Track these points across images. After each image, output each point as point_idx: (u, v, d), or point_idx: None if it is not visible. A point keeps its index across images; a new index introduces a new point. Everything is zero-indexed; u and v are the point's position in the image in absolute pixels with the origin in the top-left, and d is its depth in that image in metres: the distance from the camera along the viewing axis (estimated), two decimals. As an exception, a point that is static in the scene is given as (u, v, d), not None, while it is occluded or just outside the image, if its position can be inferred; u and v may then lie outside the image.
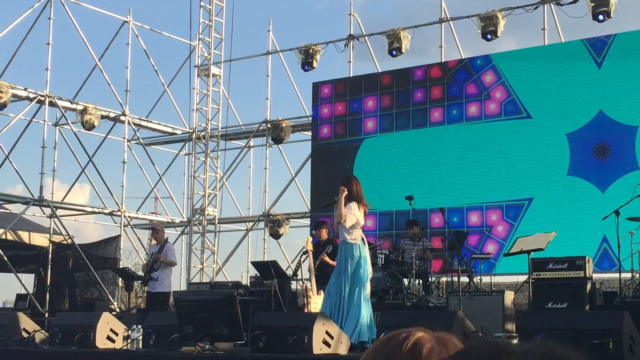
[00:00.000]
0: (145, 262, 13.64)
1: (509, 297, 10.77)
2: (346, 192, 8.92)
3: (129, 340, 9.31)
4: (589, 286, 10.47)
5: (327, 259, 11.08)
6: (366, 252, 9.06)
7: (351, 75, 18.06)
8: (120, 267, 17.71)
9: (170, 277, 12.90)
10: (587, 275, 10.51)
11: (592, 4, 14.95)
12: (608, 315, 7.94)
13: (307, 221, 18.31)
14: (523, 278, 13.74)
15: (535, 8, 16.01)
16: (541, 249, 10.61)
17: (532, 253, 10.63)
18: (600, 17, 14.91)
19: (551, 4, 15.94)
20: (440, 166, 16.97)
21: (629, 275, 11.43)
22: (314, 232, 11.40)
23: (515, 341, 9.82)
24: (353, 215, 8.89)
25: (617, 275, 11.38)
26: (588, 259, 10.65)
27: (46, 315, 16.81)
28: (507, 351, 1.48)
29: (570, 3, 15.55)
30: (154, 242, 12.93)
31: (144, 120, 20.93)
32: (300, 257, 12.51)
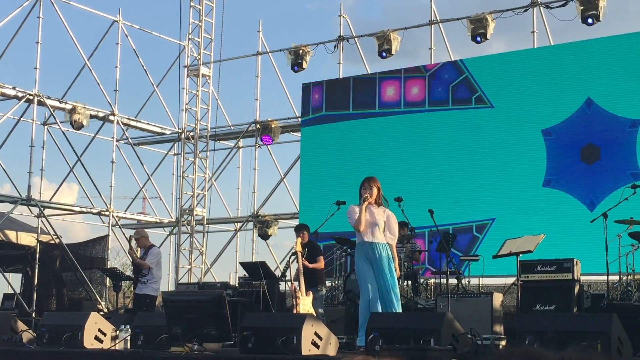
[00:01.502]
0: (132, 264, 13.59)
1: (498, 299, 10.78)
2: (370, 200, 8.82)
3: (117, 341, 9.28)
4: (577, 288, 10.50)
5: (306, 263, 11.09)
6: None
7: (341, 77, 18.06)
8: (108, 267, 17.66)
9: (158, 281, 12.84)
10: (575, 278, 10.54)
11: (582, 7, 15.00)
12: (596, 317, 7.95)
13: (296, 222, 18.29)
14: (511, 280, 13.76)
15: (525, 11, 16.06)
16: (530, 251, 10.63)
17: (520, 255, 10.64)
18: (590, 20, 14.95)
19: (540, 7, 15.98)
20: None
21: (616, 277, 11.46)
22: (296, 236, 11.38)
23: (503, 343, 9.83)
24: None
25: (604, 277, 11.42)
26: (576, 262, 10.68)
27: (33, 315, 16.73)
28: (543, 357, 1.46)
29: (560, 6, 15.60)
30: (139, 248, 12.91)
31: (133, 120, 20.88)
32: (289, 258, 12.50)
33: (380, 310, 8.59)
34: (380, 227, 8.82)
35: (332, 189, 16.57)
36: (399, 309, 8.73)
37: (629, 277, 11.22)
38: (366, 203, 8.78)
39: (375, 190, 8.87)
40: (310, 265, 11.16)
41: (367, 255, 8.82)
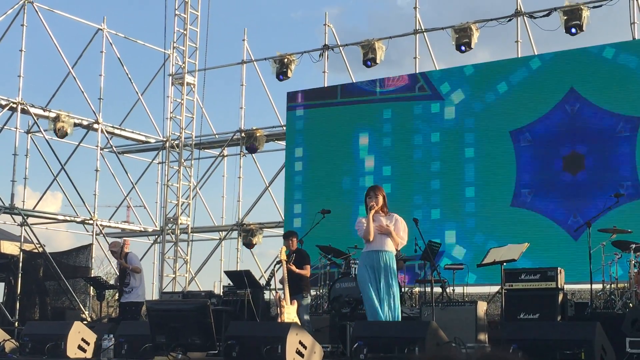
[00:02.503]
0: (117, 275, 13.63)
1: (482, 307, 10.80)
2: (377, 208, 8.75)
3: (101, 350, 9.24)
4: (560, 297, 10.53)
5: (293, 267, 11.08)
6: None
7: (326, 85, 18.08)
8: (92, 276, 17.58)
9: (141, 286, 12.86)
10: (559, 286, 10.57)
11: (565, 17, 15.10)
12: (580, 326, 7.98)
13: (281, 231, 18.28)
14: (496, 289, 13.79)
15: (509, 20, 16.14)
16: (514, 260, 10.66)
17: (504, 264, 10.67)
18: (573, 30, 15.05)
19: (524, 17, 16.07)
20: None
21: (600, 286, 11.51)
22: (284, 242, 11.38)
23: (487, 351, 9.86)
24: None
25: (588, 286, 11.46)
26: (560, 270, 10.71)
27: (16, 324, 16.62)
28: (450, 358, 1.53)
29: (544, 16, 15.69)
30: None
31: (117, 129, 20.83)
32: (274, 266, 12.48)
33: (382, 318, 8.53)
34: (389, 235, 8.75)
35: (317, 197, 16.57)
36: (399, 319, 8.66)
37: (612, 285, 11.27)
38: (373, 212, 8.71)
39: (380, 199, 8.80)
40: (297, 271, 11.14)
41: (372, 263, 8.72)
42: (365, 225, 8.73)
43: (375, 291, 8.65)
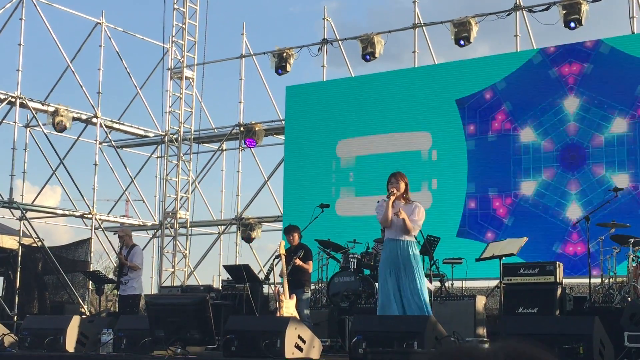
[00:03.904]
0: (115, 266, 13.67)
1: (481, 301, 10.82)
2: (397, 194, 8.50)
3: (100, 344, 9.24)
4: (559, 291, 10.55)
5: (300, 262, 11.07)
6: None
7: (324, 80, 18.08)
8: (91, 270, 17.60)
9: (139, 279, 12.88)
10: (558, 281, 10.59)
11: (564, 12, 15.09)
12: (578, 320, 8.00)
13: (280, 225, 18.29)
14: (494, 283, 13.80)
15: (508, 15, 16.12)
16: (512, 254, 10.67)
17: (503, 258, 10.68)
18: (572, 24, 15.04)
19: (523, 11, 16.05)
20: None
21: (598, 280, 11.53)
22: (285, 237, 11.36)
23: (486, 345, 9.86)
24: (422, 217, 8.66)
25: (586, 280, 11.49)
26: (559, 264, 10.73)
27: (15, 318, 16.65)
28: (474, 354, 1.50)
29: (543, 10, 15.67)
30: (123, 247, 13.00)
31: (116, 123, 20.84)
32: (273, 260, 12.49)
33: (394, 312, 8.39)
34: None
35: (317, 191, 16.56)
36: (421, 312, 8.37)
37: (611, 279, 11.29)
38: (393, 198, 8.44)
39: (402, 185, 8.54)
40: (303, 265, 11.12)
41: (391, 253, 8.54)
42: (384, 210, 8.50)
43: (391, 286, 8.49)
